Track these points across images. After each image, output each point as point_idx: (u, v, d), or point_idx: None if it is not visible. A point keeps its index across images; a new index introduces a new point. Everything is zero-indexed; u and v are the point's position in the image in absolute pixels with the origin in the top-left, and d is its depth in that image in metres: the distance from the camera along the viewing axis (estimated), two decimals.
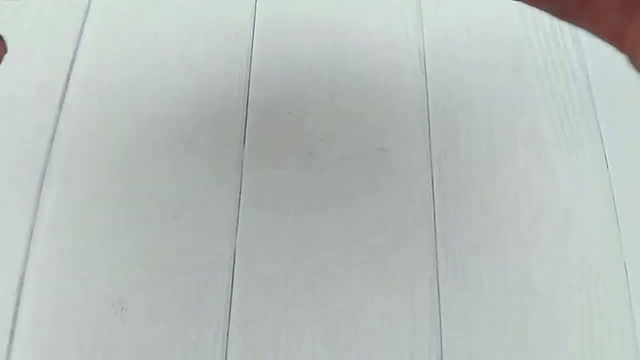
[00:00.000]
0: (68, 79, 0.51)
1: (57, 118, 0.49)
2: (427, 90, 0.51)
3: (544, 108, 0.51)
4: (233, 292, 0.44)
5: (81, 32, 0.52)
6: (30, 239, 0.45)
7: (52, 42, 0.53)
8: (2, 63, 0.35)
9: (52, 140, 0.48)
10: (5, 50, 0.35)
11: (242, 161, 0.48)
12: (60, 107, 0.50)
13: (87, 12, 0.54)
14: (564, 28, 0.55)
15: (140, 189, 0.46)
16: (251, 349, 0.43)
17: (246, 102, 0.50)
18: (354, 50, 0.52)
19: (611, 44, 0.29)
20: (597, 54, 0.54)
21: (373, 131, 0.49)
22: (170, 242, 0.45)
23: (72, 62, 0.52)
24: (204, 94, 0.50)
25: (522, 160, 0.49)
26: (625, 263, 0.46)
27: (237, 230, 0.45)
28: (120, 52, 0.52)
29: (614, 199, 0.48)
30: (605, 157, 0.50)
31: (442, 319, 0.44)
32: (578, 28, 0.30)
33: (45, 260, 0.44)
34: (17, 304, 0.43)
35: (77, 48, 0.52)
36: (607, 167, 0.49)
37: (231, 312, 0.43)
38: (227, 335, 0.43)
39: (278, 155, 0.48)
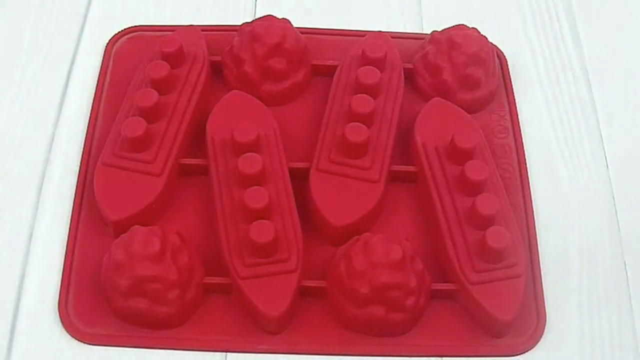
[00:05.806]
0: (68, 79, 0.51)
1: (57, 118, 0.50)
2: None
3: (544, 108, 0.51)
4: None
5: None
6: (30, 239, 0.45)
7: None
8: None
9: (51, 142, 0.48)
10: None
11: None
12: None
13: None
14: (564, 28, 0.55)
15: None
16: None
17: None
18: None
19: None
20: (597, 54, 0.54)
21: None
22: None
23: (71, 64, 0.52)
24: None
25: None
26: (625, 263, 0.46)
27: None
28: None
29: (614, 199, 0.48)
30: (605, 157, 0.50)
31: None
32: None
33: (45, 260, 0.44)
34: (17, 303, 0.43)
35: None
36: (607, 167, 0.49)
37: None
38: None
39: None
